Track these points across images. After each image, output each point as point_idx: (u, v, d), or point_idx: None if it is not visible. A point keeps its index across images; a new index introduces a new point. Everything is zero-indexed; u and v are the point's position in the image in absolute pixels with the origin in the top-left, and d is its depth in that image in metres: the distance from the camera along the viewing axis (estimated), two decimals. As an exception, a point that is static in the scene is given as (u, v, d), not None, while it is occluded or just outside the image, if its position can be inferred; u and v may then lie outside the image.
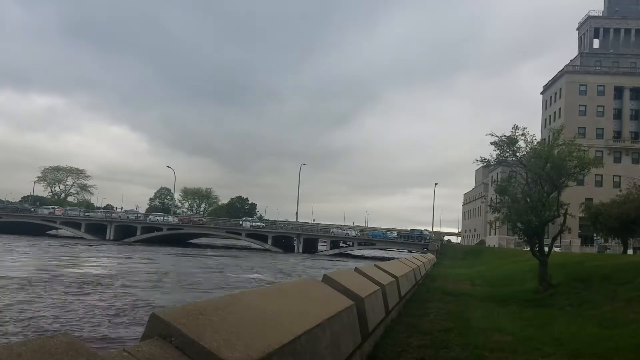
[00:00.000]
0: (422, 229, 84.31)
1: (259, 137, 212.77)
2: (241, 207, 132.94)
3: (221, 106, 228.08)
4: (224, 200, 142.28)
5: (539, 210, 18.29)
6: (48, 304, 16.26)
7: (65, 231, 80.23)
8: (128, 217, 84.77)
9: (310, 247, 78.04)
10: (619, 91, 78.31)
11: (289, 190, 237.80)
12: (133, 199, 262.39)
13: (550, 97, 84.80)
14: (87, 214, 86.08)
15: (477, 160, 21.11)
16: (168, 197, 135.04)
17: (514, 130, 19.53)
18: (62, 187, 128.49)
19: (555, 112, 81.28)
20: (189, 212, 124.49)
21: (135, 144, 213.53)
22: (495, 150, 20.00)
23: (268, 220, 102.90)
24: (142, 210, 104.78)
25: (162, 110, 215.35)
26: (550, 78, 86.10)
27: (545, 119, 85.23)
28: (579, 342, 8.22)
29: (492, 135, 19.72)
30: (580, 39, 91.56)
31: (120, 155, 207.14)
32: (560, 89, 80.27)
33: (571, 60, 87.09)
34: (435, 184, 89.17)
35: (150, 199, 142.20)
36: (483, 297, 16.58)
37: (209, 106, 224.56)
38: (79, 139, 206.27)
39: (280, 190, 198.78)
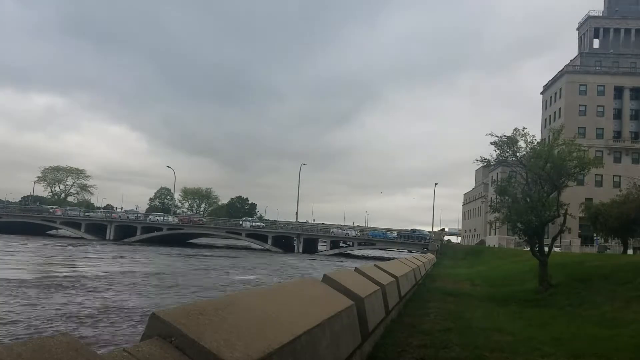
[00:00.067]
0: (426, 230, 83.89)
1: (259, 137, 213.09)
2: (241, 207, 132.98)
3: (221, 106, 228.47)
4: (224, 200, 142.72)
5: (539, 210, 18.29)
6: (42, 304, 16.22)
7: (65, 231, 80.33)
8: (128, 217, 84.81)
9: (310, 247, 78.00)
10: (619, 91, 78.34)
11: (289, 190, 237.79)
12: (133, 199, 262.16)
13: (550, 97, 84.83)
14: (87, 214, 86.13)
15: (477, 160, 21.22)
16: (168, 197, 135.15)
17: (514, 132, 19.60)
18: (62, 187, 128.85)
19: (555, 112, 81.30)
20: (189, 212, 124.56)
21: (135, 143, 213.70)
22: (495, 150, 20.10)
23: (268, 220, 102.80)
24: (142, 210, 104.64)
25: (162, 110, 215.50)
26: (550, 78, 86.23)
27: (545, 119, 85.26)
28: (579, 342, 8.23)
29: (492, 135, 19.79)
30: (580, 38, 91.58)
31: (120, 155, 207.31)
32: (560, 88, 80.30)
33: (571, 60, 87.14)
34: (435, 184, 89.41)
35: (150, 199, 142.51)
36: (483, 297, 16.59)
37: (209, 106, 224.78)
38: (78, 138, 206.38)
39: (280, 190, 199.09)
